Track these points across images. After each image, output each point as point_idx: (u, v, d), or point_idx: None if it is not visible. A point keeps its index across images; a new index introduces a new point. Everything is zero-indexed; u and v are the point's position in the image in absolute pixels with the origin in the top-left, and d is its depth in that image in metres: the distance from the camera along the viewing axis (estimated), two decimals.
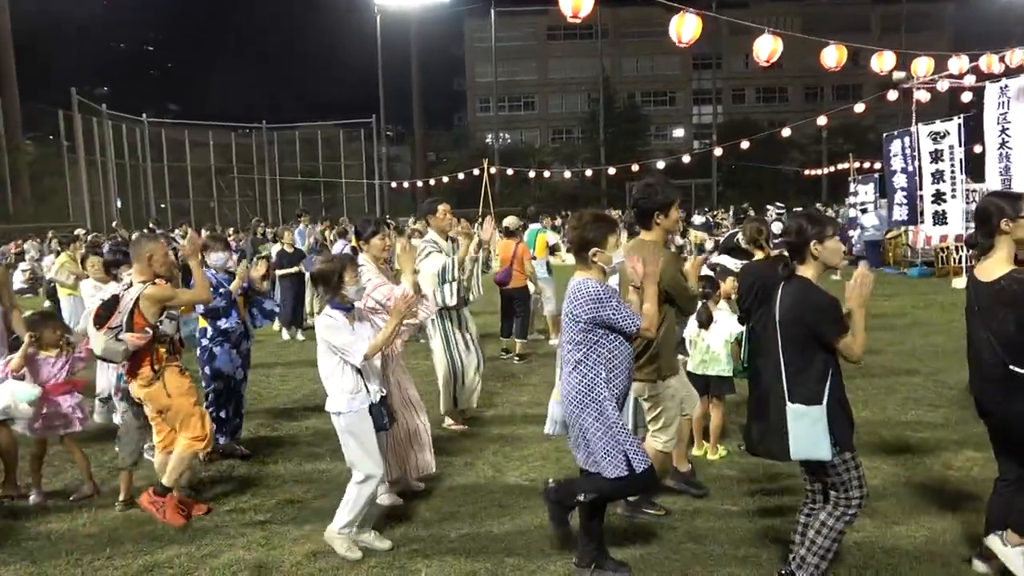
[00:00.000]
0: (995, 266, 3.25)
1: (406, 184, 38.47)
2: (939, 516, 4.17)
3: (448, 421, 6.15)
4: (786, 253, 3.34)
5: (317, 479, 5.08)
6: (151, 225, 19.68)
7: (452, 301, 5.83)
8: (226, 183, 41.49)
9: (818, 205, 28.43)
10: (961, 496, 4.42)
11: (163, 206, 36.32)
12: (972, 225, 3.45)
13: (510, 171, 35.68)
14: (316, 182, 42.69)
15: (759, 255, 5.15)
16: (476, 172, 31.05)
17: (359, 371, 3.85)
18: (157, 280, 4.39)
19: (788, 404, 3.11)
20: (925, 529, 4.01)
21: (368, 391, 3.88)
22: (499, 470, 5.14)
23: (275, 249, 11.13)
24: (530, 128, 55.66)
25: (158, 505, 4.34)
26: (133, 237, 7.63)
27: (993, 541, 3.46)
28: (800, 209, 18.77)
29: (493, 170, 31.71)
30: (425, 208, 6.18)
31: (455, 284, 5.83)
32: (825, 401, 3.06)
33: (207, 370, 5.51)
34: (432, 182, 34.64)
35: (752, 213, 16.74)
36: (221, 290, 5.39)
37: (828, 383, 3.10)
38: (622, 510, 4.33)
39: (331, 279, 3.86)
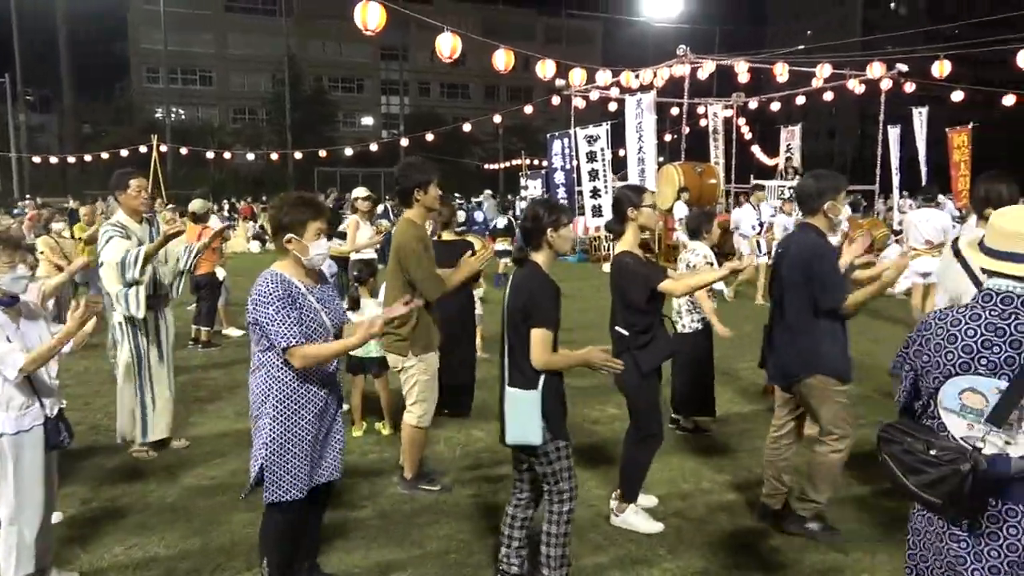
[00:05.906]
0: (621, 248, 3.89)
1: (54, 159, 32.96)
2: (587, 465, 4.84)
3: (135, 450, 5.04)
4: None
5: None
6: None
7: (140, 312, 4.74)
8: None
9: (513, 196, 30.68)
10: (606, 447, 5.21)
11: None
12: None
13: (184, 150, 32.68)
14: None
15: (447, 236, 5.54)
16: (143, 149, 27.93)
17: (30, 378, 3.10)
18: None
19: (506, 387, 3.14)
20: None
21: (43, 404, 3.17)
22: (172, 473, 4.78)
23: None
24: (208, 105, 51.44)
25: None
26: None
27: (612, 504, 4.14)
28: (538, 197, 19.98)
29: (164, 148, 28.83)
30: (114, 182, 4.93)
31: (142, 288, 4.71)
32: (541, 387, 3.06)
33: None
34: (88, 158, 30.23)
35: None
36: None
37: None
38: (400, 486, 4.37)
39: None
